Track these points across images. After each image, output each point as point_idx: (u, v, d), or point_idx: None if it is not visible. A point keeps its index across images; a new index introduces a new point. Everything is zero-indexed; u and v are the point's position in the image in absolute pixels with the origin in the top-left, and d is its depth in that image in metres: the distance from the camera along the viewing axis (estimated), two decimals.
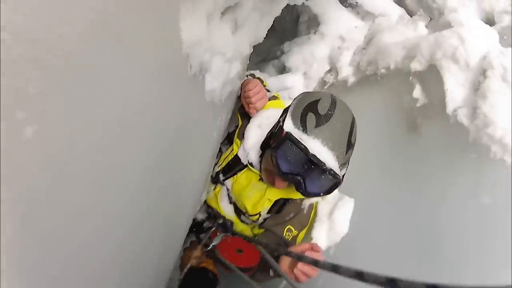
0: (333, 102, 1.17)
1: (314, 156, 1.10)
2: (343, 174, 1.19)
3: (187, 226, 1.28)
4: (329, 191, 1.21)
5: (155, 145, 0.80)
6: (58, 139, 0.49)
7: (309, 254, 1.13)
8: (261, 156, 1.35)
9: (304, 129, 1.14)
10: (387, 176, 1.65)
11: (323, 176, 1.15)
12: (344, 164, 1.17)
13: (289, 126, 1.17)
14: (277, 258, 1.24)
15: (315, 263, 0.88)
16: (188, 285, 1.33)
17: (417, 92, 1.61)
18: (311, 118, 1.14)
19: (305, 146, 1.10)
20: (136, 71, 0.65)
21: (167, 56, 0.76)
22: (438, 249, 1.37)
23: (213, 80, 1.04)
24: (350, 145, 1.17)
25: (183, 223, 1.22)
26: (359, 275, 0.65)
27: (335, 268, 0.73)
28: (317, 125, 1.13)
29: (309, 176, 1.16)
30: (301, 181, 1.17)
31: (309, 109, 1.16)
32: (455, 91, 1.43)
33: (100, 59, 0.53)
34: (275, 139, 1.20)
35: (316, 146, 1.11)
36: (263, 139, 1.33)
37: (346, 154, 1.16)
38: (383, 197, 1.62)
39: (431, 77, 1.53)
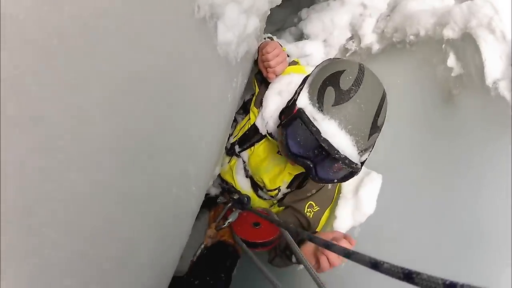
0: (360, 75, 1.00)
1: (326, 141, 0.94)
2: (363, 160, 1.04)
3: (197, 207, 1.15)
4: (343, 179, 1.07)
5: (152, 98, 0.67)
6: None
7: (342, 243, 1.03)
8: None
9: (320, 107, 0.97)
10: (419, 152, 1.51)
11: (335, 164, 1.02)
12: (366, 149, 1.02)
13: (303, 101, 1.01)
14: (299, 242, 1.12)
15: (347, 253, 0.70)
16: (204, 264, 1.22)
17: (452, 61, 1.46)
18: (330, 93, 0.98)
19: (317, 128, 0.95)
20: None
21: None
22: (473, 237, 1.24)
23: (227, 30, 0.90)
24: (375, 128, 1.00)
25: (192, 203, 1.08)
26: (374, 265, 0.57)
27: (374, 265, 0.61)
28: (336, 102, 0.96)
29: (321, 163, 1.03)
30: (312, 166, 1.04)
31: (330, 83, 1.00)
32: (494, 62, 1.29)
33: None
34: (287, 115, 1.07)
35: (331, 129, 0.95)
36: (283, 107, 1.20)
37: (369, 139, 0.99)
38: (414, 176, 1.49)
39: (467, 46, 1.39)
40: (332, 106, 0.96)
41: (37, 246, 0.48)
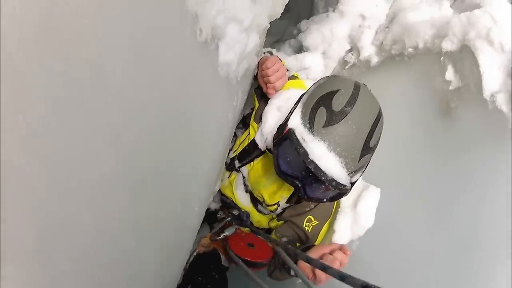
0: (354, 96, 1.00)
1: (313, 163, 0.95)
2: (354, 181, 1.04)
3: (198, 224, 1.16)
4: (332, 199, 1.09)
5: (155, 127, 0.67)
6: None
7: (337, 254, 1.03)
8: None
9: (311, 127, 0.98)
10: (417, 164, 1.51)
11: (322, 186, 1.03)
12: (356, 171, 1.01)
13: (295, 121, 1.02)
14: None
15: (341, 277, 0.70)
16: (196, 268, 1.23)
17: (450, 74, 1.46)
18: (321, 114, 0.98)
19: (305, 150, 0.96)
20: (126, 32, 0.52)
21: (169, 13, 0.63)
22: (472, 250, 1.24)
23: (228, 50, 0.91)
24: (367, 149, 1.00)
25: (194, 221, 1.09)
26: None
27: (342, 278, 0.64)
28: (327, 124, 0.97)
29: (309, 184, 1.04)
30: (300, 186, 1.05)
31: (322, 103, 1.00)
32: (492, 74, 1.29)
33: None
34: (279, 133, 1.08)
35: (319, 150, 0.95)
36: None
37: (359, 160, 0.99)
38: (413, 189, 1.49)
39: (465, 58, 1.39)
40: (323, 127, 0.97)
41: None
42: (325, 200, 1.09)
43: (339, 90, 1.01)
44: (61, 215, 0.49)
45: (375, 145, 1.04)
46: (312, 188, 1.06)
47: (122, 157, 0.59)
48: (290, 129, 1.01)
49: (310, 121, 0.99)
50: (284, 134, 1.01)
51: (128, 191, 0.62)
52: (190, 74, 0.77)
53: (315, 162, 0.95)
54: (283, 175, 1.06)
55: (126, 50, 0.54)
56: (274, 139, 1.11)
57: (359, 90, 1.02)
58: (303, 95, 1.11)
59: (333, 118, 0.97)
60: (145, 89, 0.61)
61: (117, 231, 0.62)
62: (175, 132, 0.75)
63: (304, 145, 0.96)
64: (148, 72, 0.60)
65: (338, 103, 0.98)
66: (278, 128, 1.13)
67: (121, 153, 0.58)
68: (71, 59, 0.44)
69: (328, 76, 1.16)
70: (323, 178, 0.95)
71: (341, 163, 0.96)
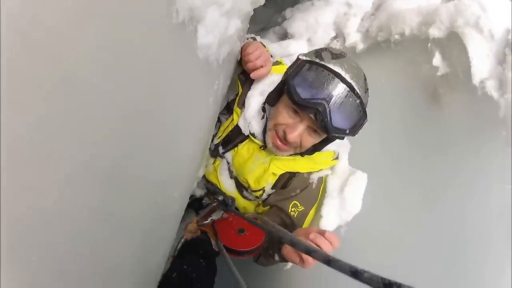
0: (343, 52, 1.12)
1: (340, 74, 1.01)
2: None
3: (181, 211, 1.14)
4: (355, 126, 1.08)
5: (128, 113, 0.64)
6: None
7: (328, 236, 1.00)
8: (265, 119, 1.24)
9: (321, 60, 1.06)
10: (405, 150, 1.52)
11: (350, 100, 1.03)
12: (364, 104, 1.09)
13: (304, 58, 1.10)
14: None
15: (327, 261, 0.68)
16: (183, 255, 1.21)
17: (437, 60, 1.47)
18: (326, 54, 1.07)
19: (327, 65, 1.03)
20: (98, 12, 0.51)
21: None
22: (459, 236, 1.25)
23: (207, 33, 0.89)
24: (366, 89, 1.09)
25: (175, 208, 1.06)
26: (354, 274, 0.55)
27: (328, 262, 0.62)
28: (334, 58, 1.06)
29: (335, 101, 1.01)
30: (327, 105, 1.01)
31: (322, 50, 1.10)
32: (481, 61, 1.29)
33: None
34: (290, 72, 1.11)
35: (338, 69, 1.03)
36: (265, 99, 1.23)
37: (365, 93, 1.09)
38: (401, 174, 1.49)
39: (453, 45, 1.39)
40: (332, 59, 1.05)
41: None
42: (347, 131, 1.07)
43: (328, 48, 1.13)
44: (28, 205, 0.47)
45: (368, 89, 1.12)
46: (337, 110, 1.03)
47: (93, 145, 0.56)
48: (304, 59, 1.09)
49: (319, 58, 1.07)
50: (300, 62, 1.08)
51: (99, 180, 0.60)
52: (165, 54, 0.75)
53: (339, 73, 1.02)
54: (307, 102, 1.03)
55: (96, 35, 0.52)
56: (286, 73, 1.16)
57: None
58: (294, 62, 1.15)
59: (337, 56, 1.07)
60: (118, 71, 0.59)
61: (89, 222, 0.60)
62: (150, 117, 0.73)
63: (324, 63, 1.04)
64: (118, 54, 0.58)
65: (335, 51, 1.09)
66: (277, 89, 1.19)
67: (91, 141, 0.56)
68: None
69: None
70: (350, 86, 1.02)
71: (356, 86, 1.03)
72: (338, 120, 1.03)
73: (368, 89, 1.11)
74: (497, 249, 1.14)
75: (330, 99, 1.01)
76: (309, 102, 1.02)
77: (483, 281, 1.15)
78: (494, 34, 1.28)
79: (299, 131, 1.11)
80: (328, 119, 1.02)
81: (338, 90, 1.01)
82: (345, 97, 1.01)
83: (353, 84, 1.02)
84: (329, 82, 1.01)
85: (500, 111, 1.17)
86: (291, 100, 1.05)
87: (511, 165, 1.13)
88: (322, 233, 1.00)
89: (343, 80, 1.00)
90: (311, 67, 1.04)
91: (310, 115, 1.06)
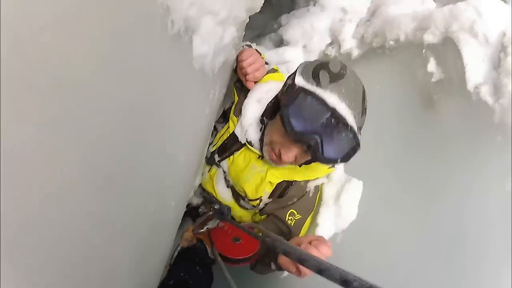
0: (343, 65, 1.08)
1: (334, 109, 0.99)
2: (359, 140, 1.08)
3: (177, 220, 1.14)
4: (348, 155, 1.07)
5: (124, 121, 0.64)
6: None
7: (317, 243, 1.00)
8: (262, 130, 1.23)
9: (318, 84, 1.02)
10: (399, 157, 1.51)
11: (343, 134, 1.02)
12: (359, 128, 1.08)
13: (300, 81, 1.05)
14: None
15: (319, 270, 0.65)
16: (179, 263, 1.21)
17: (432, 66, 1.46)
18: (324, 74, 1.04)
19: (322, 98, 0.99)
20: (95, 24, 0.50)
21: (138, 5, 0.61)
22: (456, 242, 1.24)
23: (202, 43, 0.89)
24: (364, 110, 1.08)
25: (171, 217, 1.06)
26: (344, 283, 0.56)
27: (320, 272, 0.62)
28: (332, 81, 1.02)
29: (328, 135, 1.02)
30: (319, 140, 1.03)
31: (321, 68, 1.06)
32: (475, 66, 1.29)
33: None
34: (285, 97, 1.09)
35: (334, 99, 1.00)
36: (263, 111, 1.21)
37: (362, 116, 1.07)
38: (396, 181, 1.48)
39: (447, 50, 1.39)
40: (329, 83, 1.02)
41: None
42: (339, 160, 1.08)
43: (329, 61, 1.08)
44: (27, 209, 0.47)
45: (366, 108, 1.11)
46: (330, 142, 1.04)
47: (90, 153, 0.56)
48: (301, 86, 1.04)
49: (316, 80, 1.04)
50: (295, 91, 1.04)
51: (96, 187, 0.60)
52: (161, 66, 0.74)
53: (334, 107, 0.99)
54: (300, 135, 1.04)
55: (91, 46, 0.51)
56: (264, 115, 1.17)
57: (343, 63, 1.12)
58: (291, 74, 1.14)
59: (335, 77, 1.03)
60: (114, 82, 0.59)
61: (85, 228, 0.60)
62: (146, 126, 0.73)
63: (319, 95, 1.00)
64: (113, 66, 0.58)
65: (334, 68, 1.05)
66: (274, 104, 1.17)
67: (88, 149, 0.56)
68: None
69: (308, 61, 1.18)
70: (344, 121, 0.99)
71: (351, 114, 1.02)
72: (330, 152, 1.05)
73: (366, 108, 1.10)
74: (494, 254, 1.14)
75: (322, 133, 1.02)
76: (302, 135, 1.04)
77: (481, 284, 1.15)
78: (489, 39, 1.28)
79: (293, 152, 1.12)
80: (320, 152, 1.04)
81: (332, 125, 1.00)
82: (338, 132, 1.02)
83: (349, 113, 1.01)
84: (322, 116, 1.00)
85: (495, 116, 1.17)
86: (285, 129, 1.05)
87: (510, 167, 1.13)
88: (316, 241, 1.02)
89: (336, 114, 0.99)
90: (306, 97, 1.01)
91: (303, 146, 1.09)
